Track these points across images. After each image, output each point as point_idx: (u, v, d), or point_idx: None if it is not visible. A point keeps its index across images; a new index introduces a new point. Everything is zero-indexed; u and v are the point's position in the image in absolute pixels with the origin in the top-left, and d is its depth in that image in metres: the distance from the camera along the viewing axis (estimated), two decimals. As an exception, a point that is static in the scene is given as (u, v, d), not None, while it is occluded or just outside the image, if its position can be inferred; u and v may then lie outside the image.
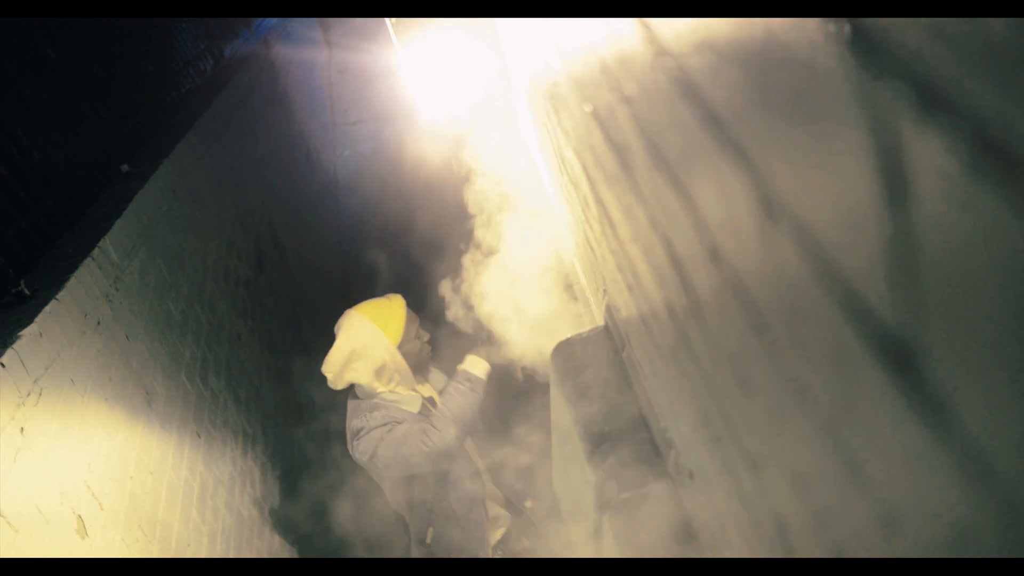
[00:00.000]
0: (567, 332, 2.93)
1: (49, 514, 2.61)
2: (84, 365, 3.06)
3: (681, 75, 0.52)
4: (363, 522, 4.08)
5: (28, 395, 2.70)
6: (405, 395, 3.58)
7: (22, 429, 2.62)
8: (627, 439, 1.41)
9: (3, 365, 2.64)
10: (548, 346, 2.31)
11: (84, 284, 3.24)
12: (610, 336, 1.54)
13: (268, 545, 4.13)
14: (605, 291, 1.58)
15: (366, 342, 3.49)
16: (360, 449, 3.51)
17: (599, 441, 1.43)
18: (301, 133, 8.14)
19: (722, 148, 0.48)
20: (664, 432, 1.32)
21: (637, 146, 0.73)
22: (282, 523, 4.40)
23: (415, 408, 3.57)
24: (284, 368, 5.31)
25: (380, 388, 3.54)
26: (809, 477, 0.55)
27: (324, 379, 3.59)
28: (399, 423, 3.48)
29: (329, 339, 3.61)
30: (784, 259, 0.45)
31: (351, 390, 3.68)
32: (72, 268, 3.24)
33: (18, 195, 3.45)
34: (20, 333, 2.80)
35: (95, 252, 3.40)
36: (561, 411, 1.54)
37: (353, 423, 3.56)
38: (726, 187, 0.50)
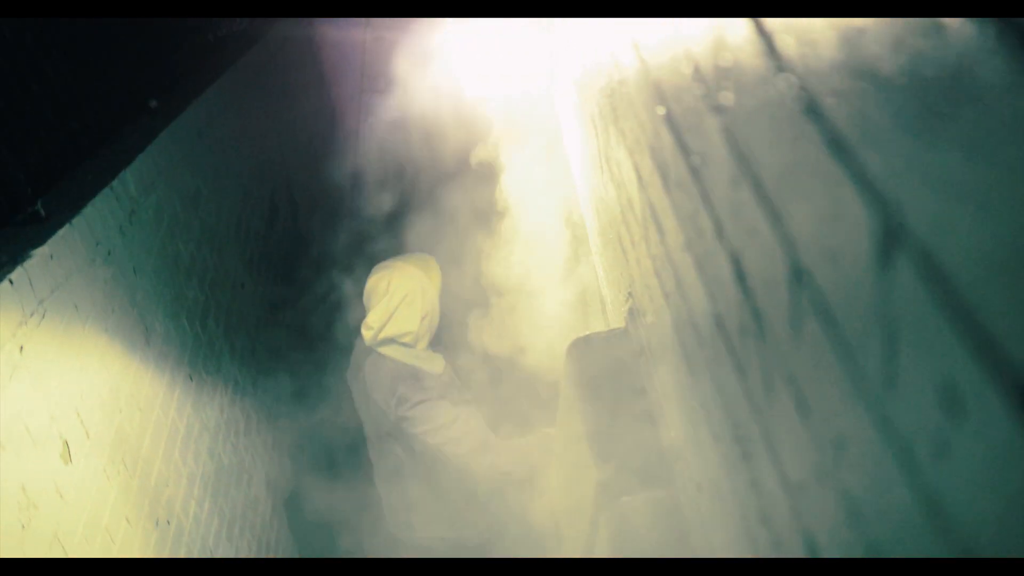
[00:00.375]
0: (578, 328, 2.92)
1: (37, 435, 2.61)
2: (89, 293, 3.05)
3: (802, 94, 0.51)
4: (343, 486, 4.09)
5: (32, 315, 2.69)
6: (428, 355, 3.54)
7: (21, 348, 2.61)
8: (636, 444, 1.41)
9: (11, 282, 2.63)
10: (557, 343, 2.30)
11: (100, 213, 3.23)
12: (629, 340, 1.54)
13: (244, 497, 4.13)
14: (631, 294, 1.58)
15: (417, 288, 3.46)
16: (415, 418, 3.43)
17: (607, 442, 1.43)
18: (328, 95, 8.12)
19: (842, 171, 0.47)
20: (675, 441, 1.32)
21: (721, 157, 0.72)
22: (262, 477, 4.41)
23: (439, 368, 3.53)
24: (283, 323, 5.30)
25: (420, 342, 3.50)
26: (867, 513, 0.54)
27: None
28: (457, 410, 3.43)
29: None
30: (902, 291, 0.45)
31: (363, 351, 3.64)
32: (90, 196, 3.23)
33: (46, 116, 3.44)
34: (32, 252, 2.79)
35: (115, 183, 3.39)
36: (572, 409, 1.54)
37: (401, 389, 3.45)
38: (837, 211, 0.49)
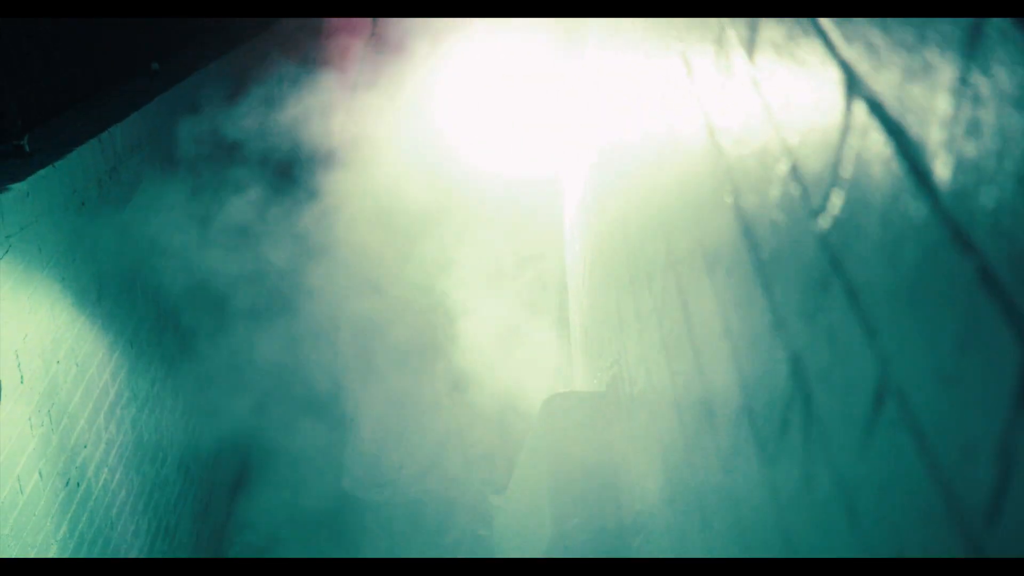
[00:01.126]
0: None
1: (-27, 369, 2.55)
2: (55, 239, 3.00)
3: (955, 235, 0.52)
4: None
5: (-3, 248, 2.65)
6: None
7: (-20, 278, 2.56)
8: (596, 510, 1.43)
9: (-16, 210, 2.59)
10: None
11: (83, 161, 3.19)
12: (607, 403, 1.56)
13: (155, 475, 4.05)
14: (616, 362, 1.61)
15: None
16: None
17: (569, 506, 1.45)
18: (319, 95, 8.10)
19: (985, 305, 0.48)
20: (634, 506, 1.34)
21: (806, 258, 0.72)
22: (177, 459, 4.32)
23: None
24: (233, 312, 5.25)
25: None
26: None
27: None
28: None
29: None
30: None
31: None
32: (77, 142, 3.19)
33: (52, 55, 3.41)
34: (10, 186, 2.75)
35: (103, 135, 3.36)
36: (538, 459, 1.56)
37: None
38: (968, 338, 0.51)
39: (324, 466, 5.62)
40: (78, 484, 3.23)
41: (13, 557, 1.83)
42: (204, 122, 4.51)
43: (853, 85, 0.69)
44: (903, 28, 0.60)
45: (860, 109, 0.67)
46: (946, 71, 0.54)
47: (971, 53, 0.51)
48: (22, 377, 2.83)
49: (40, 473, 2.95)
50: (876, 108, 0.64)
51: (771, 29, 0.91)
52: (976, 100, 0.50)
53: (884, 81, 0.62)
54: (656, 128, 1.45)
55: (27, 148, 3.04)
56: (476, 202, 4.00)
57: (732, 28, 1.07)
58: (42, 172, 2.91)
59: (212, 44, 5.02)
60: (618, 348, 1.66)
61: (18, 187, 2.76)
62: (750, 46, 0.98)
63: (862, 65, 0.67)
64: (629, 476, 1.42)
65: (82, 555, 3.14)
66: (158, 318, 4.02)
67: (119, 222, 3.53)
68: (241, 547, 4.98)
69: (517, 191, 3.51)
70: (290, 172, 6.51)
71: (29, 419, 2.88)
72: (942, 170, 0.54)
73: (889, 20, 0.62)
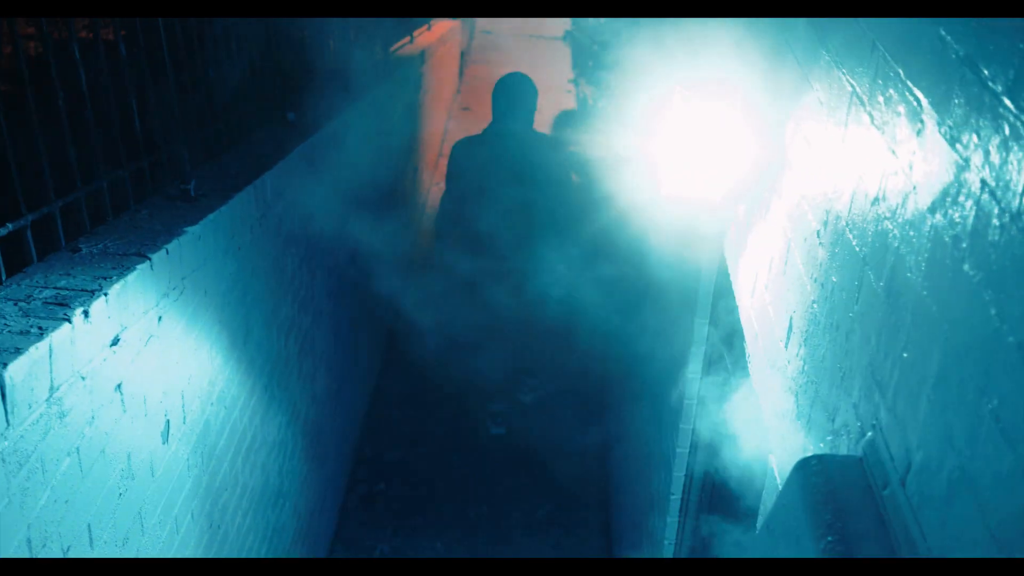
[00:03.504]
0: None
1: (150, 408, 2.59)
2: (217, 282, 3.06)
3: None
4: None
5: (173, 289, 2.70)
6: None
7: (160, 318, 2.61)
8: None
9: (167, 252, 2.64)
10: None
11: (242, 207, 3.26)
12: (868, 474, 1.53)
13: (276, 520, 4.06)
14: (875, 425, 1.58)
15: None
16: None
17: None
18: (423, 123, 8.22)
19: None
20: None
21: None
22: (292, 506, 4.33)
23: None
24: (360, 365, 5.29)
25: None
26: None
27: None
28: None
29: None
30: None
31: None
32: (237, 188, 3.26)
33: (214, 103, 3.51)
34: (186, 229, 2.80)
35: (257, 181, 3.42)
36: (797, 535, 1.51)
37: None
38: None
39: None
40: (219, 527, 3.25)
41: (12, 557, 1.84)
42: (331, 174, 4.59)
43: None
44: None
45: None
46: None
47: None
48: (185, 418, 2.86)
49: (192, 514, 2.97)
50: None
51: None
52: None
53: None
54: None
55: (192, 192, 3.11)
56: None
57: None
58: (211, 217, 2.97)
59: (333, 93, 5.12)
60: (871, 412, 1.63)
61: (193, 230, 2.82)
62: None
63: None
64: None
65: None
66: (287, 363, 4.05)
67: (264, 267, 3.58)
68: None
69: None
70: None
71: (187, 459, 2.91)
72: None
73: None
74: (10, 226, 2.25)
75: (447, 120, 10.80)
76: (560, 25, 13.90)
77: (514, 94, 5.41)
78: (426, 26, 8.83)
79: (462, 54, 12.69)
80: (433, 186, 9.50)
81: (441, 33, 9.16)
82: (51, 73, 2.43)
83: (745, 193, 2.67)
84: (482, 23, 15.18)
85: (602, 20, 11.17)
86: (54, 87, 2.43)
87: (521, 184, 5.16)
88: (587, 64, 11.55)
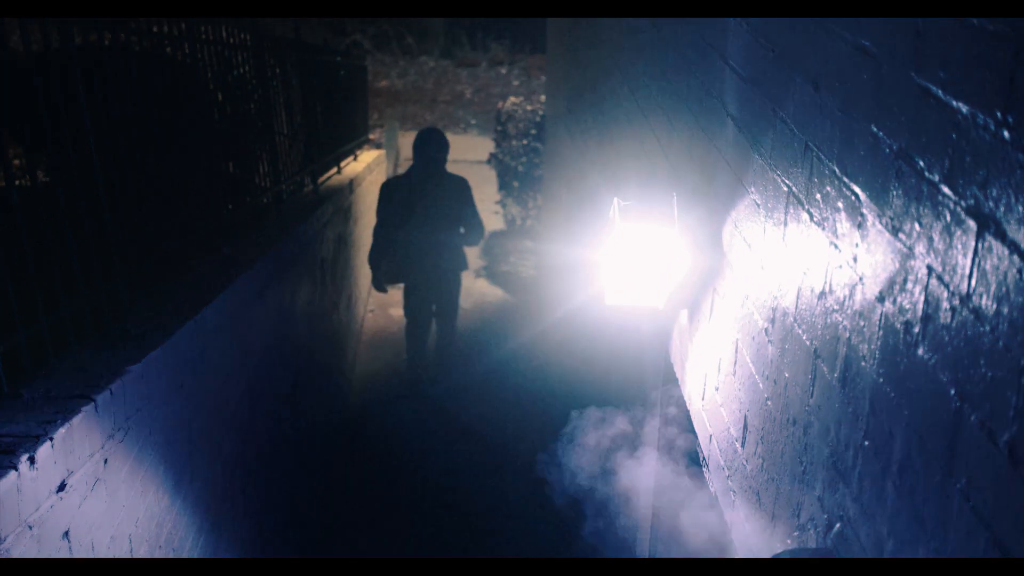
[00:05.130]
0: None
1: (98, 553, 2.50)
2: (162, 423, 3.00)
3: None
4: None
5: (119, 430, 2.64)
6: None
7: (106, 461, 2.54)
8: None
9: (111, 392, 2.60)
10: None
11: (183, 344, 3.22)
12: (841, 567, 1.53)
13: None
14: (843, 517, 1.60)
15: None
16: None
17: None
18: (354, 251, 8.25)
19: None
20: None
21: None
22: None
23: None
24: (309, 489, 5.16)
25: None
26: None
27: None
28: None
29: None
30: None
31: None
32: (177, 325, 3.22)
33: (140, 240, 3.49)
34: (128, 368, 2.76)
35: (198, 317, 3.39)
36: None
37: None
38: None
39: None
40: None
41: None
42: (270, 303, 4.57)
43: None
44: None
45: None
46: None
47: None
48: (132, 564, 2.76)
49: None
50: None
51: None
52: None
53: None
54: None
55: (131, 330, 3.07)
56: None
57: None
58: (152, 354, 2.93)
59: (265, 227, 5.14)
60: (836, 504, 1.65)
61: (135, 369, 2.78)
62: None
63: None
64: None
65: None
66: (223, 499, 3.95)
67: (206, 405, 3.53)
68: None
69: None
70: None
71: (136, 608, 2.79)
72: None
73: None
74: (-50, 375, 2.19)
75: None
76: (485, 149, 14.25)
77: (429, 142, 7.10)
78: (352, 156, 8.99)
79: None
80: (368, 312, 9.49)
81: (367, 162, 9.31)
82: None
83: (687, 299, 2.74)
84: (405, 152, 15.48)
85: (523, 140, 11.49)
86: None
87: (438, 199, 7.09)
88: (512, 185, 11.80)
